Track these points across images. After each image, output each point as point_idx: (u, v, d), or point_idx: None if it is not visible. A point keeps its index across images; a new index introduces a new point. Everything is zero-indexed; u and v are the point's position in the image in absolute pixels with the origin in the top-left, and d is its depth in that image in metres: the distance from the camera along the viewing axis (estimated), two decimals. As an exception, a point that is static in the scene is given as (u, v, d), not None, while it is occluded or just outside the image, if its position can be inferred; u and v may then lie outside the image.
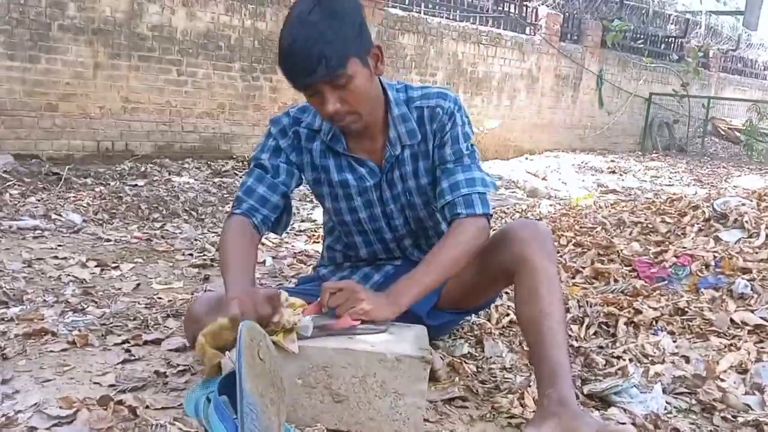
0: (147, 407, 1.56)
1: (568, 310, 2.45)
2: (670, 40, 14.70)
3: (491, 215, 1.83)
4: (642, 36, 13.52)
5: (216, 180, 5.99)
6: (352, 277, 2.06)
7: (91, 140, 6.11)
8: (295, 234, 4.20)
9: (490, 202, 1.83)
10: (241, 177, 6.15)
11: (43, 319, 2.17)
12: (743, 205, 3.33)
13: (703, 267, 2.81)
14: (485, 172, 1.86)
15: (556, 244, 3.43)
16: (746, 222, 3.12)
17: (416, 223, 1.99)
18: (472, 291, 1.94)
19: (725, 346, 2.20)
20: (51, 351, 1.92)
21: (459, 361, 1.99)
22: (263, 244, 3.58)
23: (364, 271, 2.07)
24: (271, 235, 3.45)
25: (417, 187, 1.92)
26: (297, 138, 1.90)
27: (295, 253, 3.59)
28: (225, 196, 5.38)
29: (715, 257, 2.84)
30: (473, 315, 2.33)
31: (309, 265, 3.23)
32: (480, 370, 1.99)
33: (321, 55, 1.55)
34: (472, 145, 1.87)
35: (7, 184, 4.67)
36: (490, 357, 2.08)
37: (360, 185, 1.90)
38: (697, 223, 3.31)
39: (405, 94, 1.87)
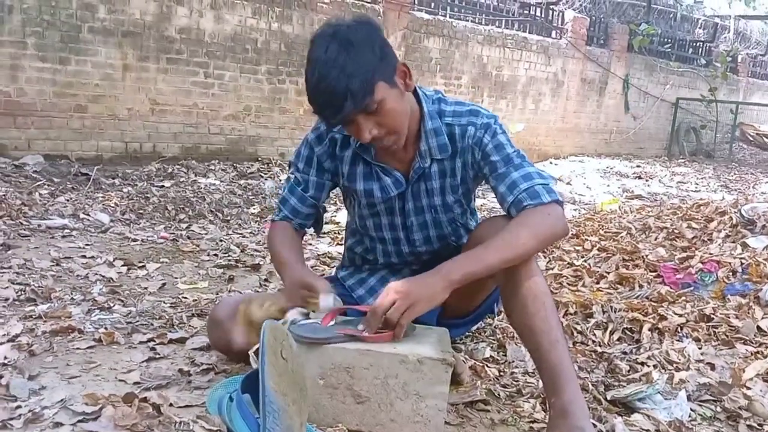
0: (171, 405, 1.58)
1: (591, 315, 2.44)
2: (698, 44, 14.51)
3: (562, 202, 1.73)
4: (669, 40, 13.36)
5: (241, 182, 6.02)
6: (369, 279, 2.08)
7: (120, 141, 6.19)
8: (318, 236, 4.21)
9: (557, 192, 1.73)
10: (266, 180, 6.19)
11: (70, 317, 2.20)
12: (772, 211, 3.29)
13: (730, 273, 2.78)
14: (538, 168, 1.78)
15: (579, 248, 3.41)
16: (775, 228, 3.08)
17: (440, 240, 1.99)
18: (463, 295, 1.85)
19: (751, 354, 2.18)
20: (77, 348, 1.95)
21: (481, 364, 1.99)
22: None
23: (381, 274, 2.09)
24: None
25: (443, 204, 1.92)
26: (333, 144, 1.91)
27: (318, 255, 3.60)
28: (250, 197, 5.41)
29: (742, 264, 2.81)
30: (481, 322, 2.31)
31: (332, 267, 3.24)
32: (502, 373, 1.99)
33: (346, 89, 1.55)
34: (516, 148, 1.81)
35: (37, 183, 4.75)
36: (513, 361, 2.08)
37: (384, 195, 1.90)
38: (724, 229, 3.27)
39: (438, 107, 1.85)
